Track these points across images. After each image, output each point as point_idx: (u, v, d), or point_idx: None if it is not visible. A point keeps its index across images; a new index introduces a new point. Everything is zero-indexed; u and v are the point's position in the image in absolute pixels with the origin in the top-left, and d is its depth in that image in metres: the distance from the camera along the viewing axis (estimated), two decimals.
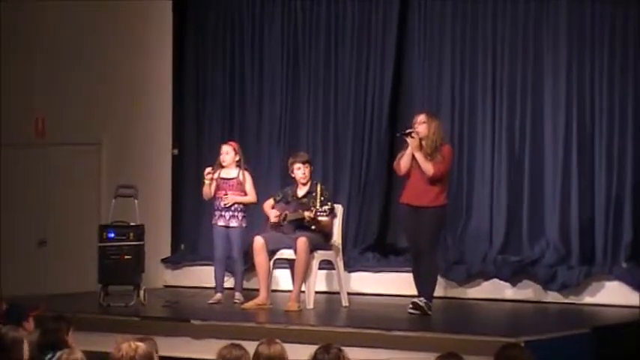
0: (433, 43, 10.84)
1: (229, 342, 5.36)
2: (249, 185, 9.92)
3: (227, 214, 9.87)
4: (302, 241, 9.11)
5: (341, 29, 11.32)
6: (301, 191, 9.50)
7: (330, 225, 9.46)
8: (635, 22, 9.79)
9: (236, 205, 9.86)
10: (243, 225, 9.89)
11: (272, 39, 11.68)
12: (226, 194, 9.83)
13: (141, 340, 5.88)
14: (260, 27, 11.75)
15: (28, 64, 12.46)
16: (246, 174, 9.94)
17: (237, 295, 9.90)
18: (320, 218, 9.22)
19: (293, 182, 9.62)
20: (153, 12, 12.07)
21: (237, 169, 9.92)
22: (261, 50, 11.75)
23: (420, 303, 8.62)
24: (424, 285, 8.75)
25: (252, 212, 10.74)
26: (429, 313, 8.60)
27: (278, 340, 5.34)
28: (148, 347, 5.93)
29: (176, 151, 12.07)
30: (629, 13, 9.81)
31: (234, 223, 9.85)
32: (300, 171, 9.49)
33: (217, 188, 9.88)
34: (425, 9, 10.89)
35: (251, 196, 9.94)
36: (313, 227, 9.30)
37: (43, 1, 12.40)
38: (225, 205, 9.83)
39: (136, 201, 10.26)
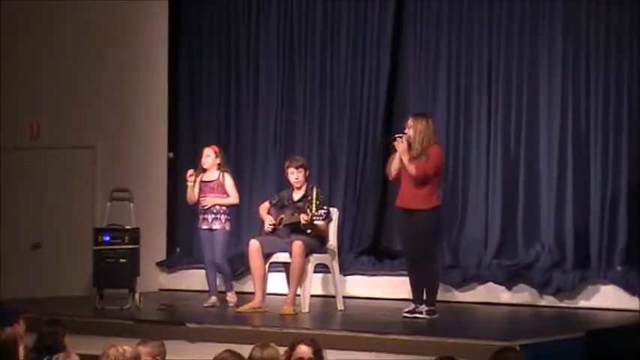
0: (429, 46, 10.84)
1: (224, 345, 5.36)
2: (229, 186, 9.89)
3: (209, 217, 9.84)
4: (298, 245, 9.10)
5: (336, 33, 11.32)
6: (297, 195, 9.49)
7: (326, 229, 9.45)
8: (630, 24, 9.79)
9: (218, 208, 9.83)
10: (227, 228, 9.86)
11: (267, 42, 11.68)
12: (204, 197, 9.82)
13: (145, 342, 5.89)
14: (255, 31, 11.75)
15: (22, 67, 12.44)
16: (226, 175, 9.92)
17: (230, 294, 9.90)
18: (316, 222, 9.22)
19: (289, 186, 9.61)
20: (148, 15, 12.06)
21: (219, 171, 9.92)
22: (257, 54, 11.75)
23: (422, 315, 8.60)
24: (427, 291, 8.72)
25: (248, 216, 10.73)
26: (434, 317, 8.61)
27: (272, 344, 5.36)
28: (150, 349, 5.92)
29: (171, 155, 12.05)
30: (625, 16, 9.82)
31: (216, 226, 9.81)
32: (293, 176, 9.48)
33: (200, 191, 9.88)
34: (420, 11, 10.89)
35: (232, 198, 9.90)
36: (309, 231, 9.29)
37: (39, 4, 12.38)
38: (204, 207, 9.82)
39: (131, 204, 10.26)
